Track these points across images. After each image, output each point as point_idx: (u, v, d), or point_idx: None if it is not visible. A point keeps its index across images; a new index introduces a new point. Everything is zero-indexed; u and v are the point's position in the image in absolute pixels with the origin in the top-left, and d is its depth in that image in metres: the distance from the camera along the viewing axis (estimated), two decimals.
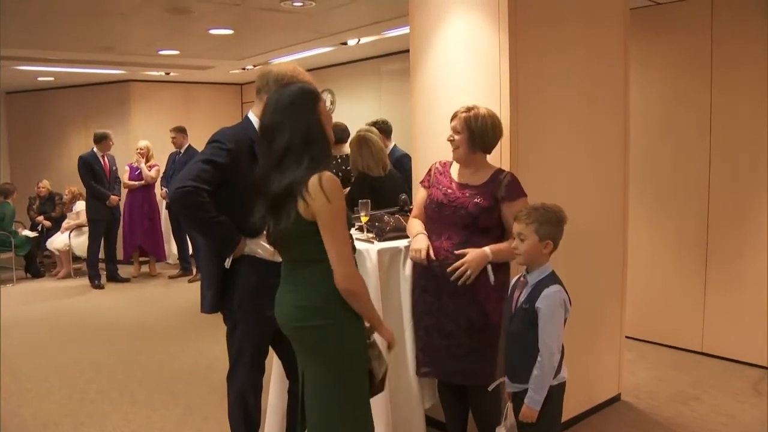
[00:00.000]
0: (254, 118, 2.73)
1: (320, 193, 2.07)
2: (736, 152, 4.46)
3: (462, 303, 2.83)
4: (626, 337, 4.08)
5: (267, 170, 2.20)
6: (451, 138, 2.88)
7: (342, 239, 2.13)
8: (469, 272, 2.75)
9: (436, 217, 2.93)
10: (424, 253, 2.83)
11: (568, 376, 2.56)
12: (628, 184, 3.84)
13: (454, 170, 2.98)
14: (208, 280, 2.77)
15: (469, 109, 2.84)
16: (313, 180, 2.09)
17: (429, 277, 2.88)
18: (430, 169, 3.08)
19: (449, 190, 2.91)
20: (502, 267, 2.84)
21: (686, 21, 4.64)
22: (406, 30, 5.67)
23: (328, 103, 8.51)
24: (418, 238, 2.91)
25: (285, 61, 2.76)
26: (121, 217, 8.13)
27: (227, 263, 2.68)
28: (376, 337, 2.33)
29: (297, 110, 2.19)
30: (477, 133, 2.81)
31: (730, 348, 4.57)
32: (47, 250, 8.53)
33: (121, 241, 8.23)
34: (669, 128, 4.81)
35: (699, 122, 4.62)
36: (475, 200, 2.83)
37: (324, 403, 2.24)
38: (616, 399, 3.91)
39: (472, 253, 2.76)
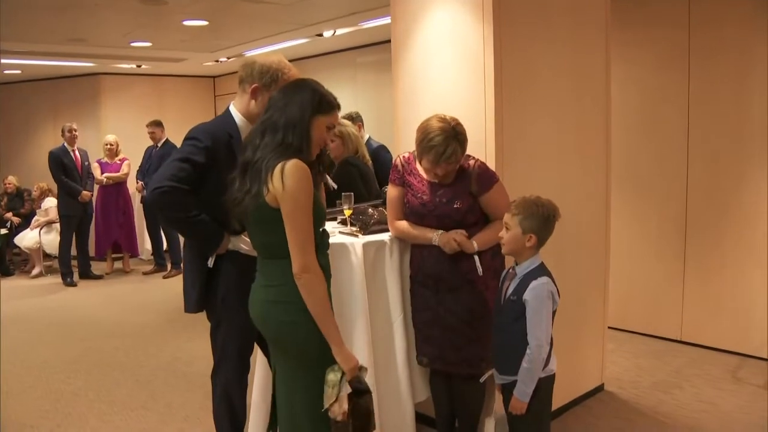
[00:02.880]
0: (236, 112, 2.66)
1: (279, 180, 2.07)
2: (714, 144, 4.49)
3: (461, 294, 2.81)
4: (608, 327, 4.10)
5: (252, 136, 2.23)
6: (445, 174, 2.79)
7: (302, 229, 2.10)
8: (454, 245, 2.75)
9: (420, 224, 2.90)
10: (459, 238, 2.76)
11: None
12: (611, 176, 3.86)
13: (421, 166, 2.91)
14: (192, 279, 2.70)
15: (453, 140, 2.68)
16: (278, 167, 2.09)
17: (427, 271, 2.85)
18: (395, 165, 3.00)
19: (425, 197, 2.85)
20: (497, 255, 2.80)
21: (664, 12, 4.66)
22: (382, 21, 5.68)
23: None
24: (443, 237, 2.79)
25: (271, 53, 2.68)
26: (94, 213, 7.99)
27: (210, 262, 2.63)
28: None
29: (303, 102, 2.19)
30: (465, 148, 2.77)
31: (708, 336, 4.63)
32: (16, 247, 8.34)
33: (93, 237, 8.09)
34: (648, 120, 4.84)
35: (678, 114, 4.65)
36: (455, 206, 2.80)
37: (291, 398, 2.24)
38: (599, 389, 3.94)
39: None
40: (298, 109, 2.18)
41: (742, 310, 4.44)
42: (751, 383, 4.02)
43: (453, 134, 2.68)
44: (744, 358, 4.40)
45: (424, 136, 2.73)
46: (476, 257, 2.78)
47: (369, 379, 2.78)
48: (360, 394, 2.15)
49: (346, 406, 2.10)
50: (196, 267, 2.66)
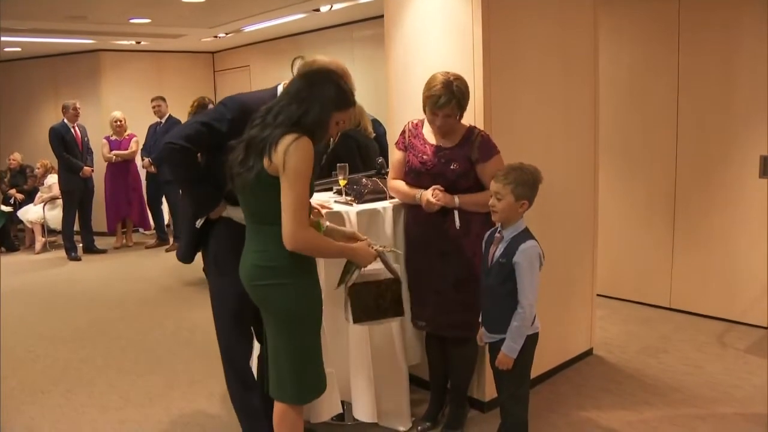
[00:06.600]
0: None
1: (283, 151, 2.15)
2: (703, 116, 4.58)
3: (450, 260, 2.95)
4: (598, 295, 4.22)
5: (263, 114, 2.28)
6: (442, 124, 2.90)
7: (297, 200, 2.18)
8: (435, 200, 2.87)
9: (416, 183, 3.01)
10: (438, 192, 2.89)
11: (544, 331, 2.68)
12: (599, 146, 3.95)
13: (427, 130, 3.03)
14: (185, 232, 2.87)
15: (449, 92, 2.80)
16: (286, 138, 2.16)
17: (419, 237, 2.97)
18: (403, 130, 3.13)
19: (425, 156, 2.98)
20: (487, 224, 2.86)
21: None
22: None
23: None
24: (424, 195, 2.91)
25: (331, 58, 2.69)
26: (103, 189, 8.14)
27: (198, 223, 2.75)
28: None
29: (325, 99, 2.24)
30: (464, 105, 2.88)
31: (696, 303, 4.76)
32: (21, 223, 8.47)
33: (103, 213, 8.24)
34: (638, 92, 4.92)
35: (667, 86, 4.73)
36: (451, 167, 2.92)
37: (276, 349, 2.38)
38: (588, 353, 4.07)
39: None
40: (319, 107, 2.23)
41: (730, 278, 4.56)
42: (735, 347, 4.16)
43: (449, 85, 2.82)
44: (731, 324, 4.54)
45: (427, 86, 2.88)
46: (456, 212, 2.90)
47: (364, 343, 2.94)
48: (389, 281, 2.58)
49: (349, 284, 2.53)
50: (191, 223, 2.79)
